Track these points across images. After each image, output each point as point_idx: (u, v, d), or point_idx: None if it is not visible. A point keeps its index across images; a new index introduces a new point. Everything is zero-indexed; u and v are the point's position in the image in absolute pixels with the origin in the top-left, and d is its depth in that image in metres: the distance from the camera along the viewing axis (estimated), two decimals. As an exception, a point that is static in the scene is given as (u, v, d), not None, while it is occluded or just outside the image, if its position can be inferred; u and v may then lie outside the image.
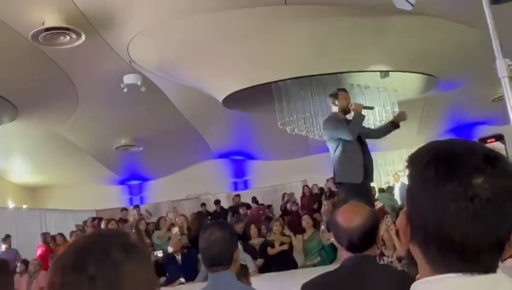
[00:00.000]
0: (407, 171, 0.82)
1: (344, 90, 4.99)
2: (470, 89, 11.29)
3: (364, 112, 4.79)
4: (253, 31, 7.87)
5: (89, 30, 7.36)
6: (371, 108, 4.92)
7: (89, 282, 0.85)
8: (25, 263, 8.14)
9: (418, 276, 0.81)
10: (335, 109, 4.74)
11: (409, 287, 1.61)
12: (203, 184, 14.23)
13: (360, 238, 1.84)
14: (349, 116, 4.80)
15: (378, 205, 6.20)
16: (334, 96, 4.79)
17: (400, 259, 4.89)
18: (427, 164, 0.77)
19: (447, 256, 0.75)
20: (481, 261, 0.74)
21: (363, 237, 1.84)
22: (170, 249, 6.59)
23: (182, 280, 6.15)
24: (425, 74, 9.61)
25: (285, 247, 6.72)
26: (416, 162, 0.80)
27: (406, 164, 0.82)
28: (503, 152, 1.37)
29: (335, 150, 4.53)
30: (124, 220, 10.53)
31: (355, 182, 4.40)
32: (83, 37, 7.38)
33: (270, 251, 6.76)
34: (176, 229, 7.24)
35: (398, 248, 4.87)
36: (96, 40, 7.74)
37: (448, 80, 10.21)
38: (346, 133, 4.48)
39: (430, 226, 0.75)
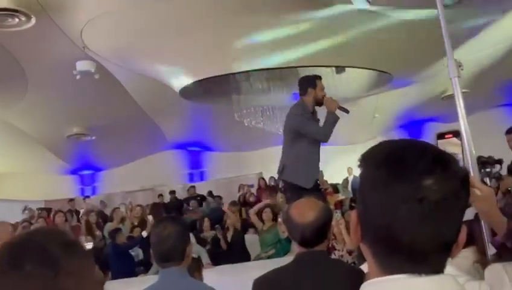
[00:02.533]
0: (359, 170, 0.81)
1: (320, 78, 4.28)
2: (421, 87, 11.68)
3: (337, 112, 4.13)
4: (210, 21, 7.78)
5: (40, 13, 7.03)
6: (346, 111, 4.13)
7: (26, 280, 0.80)
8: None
9: (367, 272, 0.81)
10: (306, 98, 4.13)
11: (360, 282, 1.63)
12: (158, 175, 14.03)
13: (312, 234, 1.86)
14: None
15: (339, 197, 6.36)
16: (311, 83, 4.16)
17: (350, 252, 5.01)
18: (379, 164, 0.77)
19: (395, 257, 0.75)
20: (429, 263, 0.75)
21: (315, 232, 1.86)
22: (145, 234, 6.41)
23: None
24: (379, 71, 9.84)
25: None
26: (368, 161, 0.80)
27: (359, 163, 0.82)
28: (459, 148, 1.41)
29: (291, 145, 4.12)
30: (75, 211, 10.22)
31: (305, 187, 4.00)
32: (33, 20, 7.06)
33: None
34: (151, 218, 7.09)
35: (348, 242, 4.92)
36: (48, 23, 7.42)
37: (401, 77, 10.51)
38: (321, 136, 4.05)
39: (380, 227, 0.75)
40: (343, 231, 4.97)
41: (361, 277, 1.72)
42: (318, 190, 4.30)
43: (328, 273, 1.82)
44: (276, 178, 4.46)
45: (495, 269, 0.98)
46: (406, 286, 0.74)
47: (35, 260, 0.82)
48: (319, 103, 4.16)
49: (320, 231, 1.88)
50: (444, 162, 0.76)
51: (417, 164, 0.74)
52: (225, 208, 7.41)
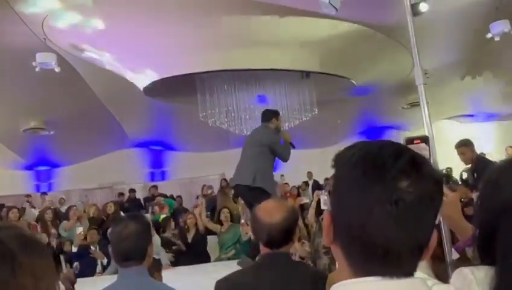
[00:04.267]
0: (333, 171, 0.81)
1: (279, 113, 5.45)
2: (382, 96, 11.99)
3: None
4: (176, 19, 7.70)
5: (-1, 0, 6.77)
6: (293, 146, 5.16)
7: None
8: None
9: (332, 274, 0.81)
10: (271, 125, 5.06)
11: (322, 284, 1.62)
12: (117, 173, 13.72)
13: (279, 234, 1.85)
14: None
15: (303, 200, 6.55)
16: (275, 114, 5.19)
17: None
18: (355, 164, 0.76)
19: (368, 259, 0.75)
20: (401, 265, 0.75)
21: (282, 233, 1.85)
22: (74, 249, 6.27)
23: None
24: (344, 77, 10.01)
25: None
26: (343, 162, 0.79)
27: (333, 163, 0.81)
28: (427, 152, 1.44)
29: (257, 158, 4.82)
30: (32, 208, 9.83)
31: (270, 192, 4.75)
32: (-9, 7, 6.78)
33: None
34: (80, 229, 6.88)
35: (301, 252, 5.21)
36: (7, 11, 7.14)
37: (364, 85, 10.74)
38: (285, 156, 4.94)
39: (353, 228, 0.75)
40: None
41: (323, 280, 1.74)
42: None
43: (289, 275, 1.81)
44: (233, 183, 5.17)
45: (463, 273, 0.99)
46: (377, 288, 0.74)
47: None
48: (278, 131, 5.13)
49: (287, 232, 1.87)
50: (419, 164, 0.76)
51: (393, 166, 0.74)
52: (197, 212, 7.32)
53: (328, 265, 5.68)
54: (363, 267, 0.76)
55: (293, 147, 5.14)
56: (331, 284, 0.80)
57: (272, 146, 4.88)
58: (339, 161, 0.80)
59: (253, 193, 4.69)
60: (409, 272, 0.76)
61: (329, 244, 0.81)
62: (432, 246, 0.78)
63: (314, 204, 6.30)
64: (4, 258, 0.78)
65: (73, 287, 2.65)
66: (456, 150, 5.71)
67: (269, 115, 5.17)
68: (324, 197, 6.56)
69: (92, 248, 6.38)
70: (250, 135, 5.28)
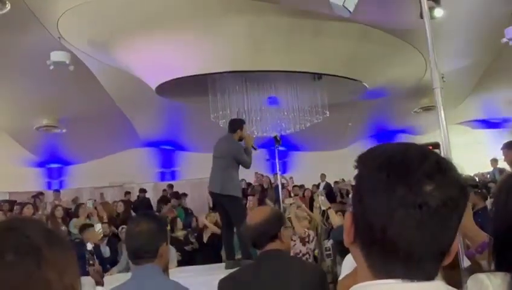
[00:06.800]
0: (356, 171, 0.80)
1: (245, 122, 5.84)
2: (394, 99, 11.92)
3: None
4: (190, 20, 7.74)
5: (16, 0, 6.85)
6: (255, 149, 5.58)
7: (7, 270, 0.76)
8: None
9: (342, 279, 0.80)
10: (235, 136, 5.42)
11: (319, 280, 1.62)
12: (128, 172, 13.79)
13: (257, 235, 2.08)
14: None
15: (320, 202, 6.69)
16: (240, 125, 5.53)
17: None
18: (380, 166, 0.76)
19: (389, 261, 0.75)
20: (422, 269, 0.75)
21: (260, 233, 2.07)
22: (89, 246, 6.28)
23: None
24: (356, 80, 9.98)
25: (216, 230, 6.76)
26: (367, 163, 0.79)
27: (356, 164, 0.80)
28: None
29: (226, 167, 5.26)
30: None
31: (239, 196, 5.41)
32: (8, 6, 6.86)
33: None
34: (99, 226, 6.92)
35: (298, 229, 5.76)
36: (23, 10, 7.22)
37: (376, 88, 10.69)
38: (248, 164, 5.37)
39: (375, 230, 0.74)
40: (292, 218, 5.90)
41: (321, 276, 1.79)
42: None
43: (287, 271, 1.96)
44: (208, 189, 5.63)
45: (479, 279, 0.98)
46: None
47: (17, 249, 0.78)
48: (241, 140, 5.48)
49: (265, 233, 2.07)
50: (445, 168, 0.75)
51: (419, 169, 0.73)
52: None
53: (331, 267, 5.74)
54: (383, 269, 0.75)
55: (255, 149, 5.52)
56: (345, 288, 0.80)
57: (236, 156, 5.30)
58: (363, 161, 0.80)
59: (225, 200, 5.25)
60: (429, 277, 0.75)
61: (349, 245, 0.81)
62: (454, 251, 0.77)
63: (317, 205, 6.41)
64: (29, 252, 0.78)
65: (102, 280, 2.74)
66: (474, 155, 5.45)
67: (235, 126, 5.54)
68: (321, 197, 6.66)
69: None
70: (216, 145, 5.60)
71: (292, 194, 9.34)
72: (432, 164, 0.75)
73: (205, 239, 6.90)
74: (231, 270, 5.30)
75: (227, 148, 5.41)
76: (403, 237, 0.73)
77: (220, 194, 5.29)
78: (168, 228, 7.46)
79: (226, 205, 5.31)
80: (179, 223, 7.38)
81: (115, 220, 7.90)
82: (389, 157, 0.76)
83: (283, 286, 1.91)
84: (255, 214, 2.18)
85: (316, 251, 6.20)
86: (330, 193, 10.01)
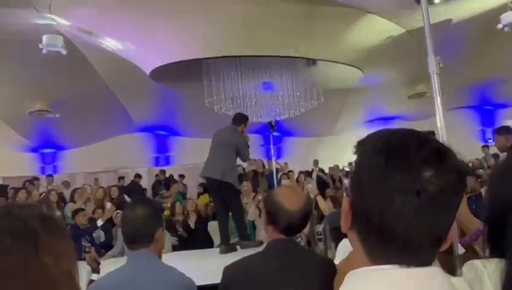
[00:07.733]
0: (354, 157, 0.80)
1: (248, 118, 5.99)
2: (389, 85, 11.90)
3: None
4: (184, 5, 7.65)
5: (6, -19, 6.74)
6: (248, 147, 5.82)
7: (5, 255, 0.75)
8: None
9: (341, 262, 0.80)
10: (240, 128, 5.64)
11: (330, 272, 1.63)
12: (122, 157, 13.75)
13: (299, 221, 1.87)
14: None
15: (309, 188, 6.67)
16: (245, 120, 5.75)
17: None
18: (378, 152, 0.75)
19: (387, 247, 0.75)
20: (420, 255, 0.75)
21: (302, 220, 1.88)
22: (100, 222, 6.27)
23: None
24: (351, 66, 9.95)
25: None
26: (366, 148, 0.78)
27: (355, 149, 0.80)
28: None
29: (229, 156, 5.44)
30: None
31: (238, 188, 5.65)
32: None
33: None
34: (109, 205, 6.97)
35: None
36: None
37: (371, 74, 10.67)
38: (247, 157, 5.68)
39: (373, 216, 0.74)
40: None
41: (331, 268, 1.75)
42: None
43: (297, 262, 1.82)
44: (203, 175, 5.74)
45: (474, 266, 0.99)
46: (396, 276, 0.74)
47: (14, 234, 0.77)
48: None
49: (306, 220, 1.90)
50: (444, 155, 0.75)
51: (417, 155, 0.73)
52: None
53: (324, 251, 5.78)
54: (381, 255, 0.75)
55: (248, 147, 5.71)
56: (342, 273, 0.80)
57: (239, 147, 5.49)
58: (361, 147, 0.79)
59: (222, 187, 5.36)
60: (426, 263, 0.76)
61: (346, 230, 0.81)
62: (451, 237, 0.77)
63: (306, 191, 6.39)
64: (26, 237, 0.78)
65: (98, 267, 2.73)
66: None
67: (240, 120, 5.74)
68: (309, 185, 6.70)
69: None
70: (219, 133, 5.72)
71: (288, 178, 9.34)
72: (431, 150, 0.74)
73: (192, 225, 6.95)
74: (225, 255, 5.34)
75: (232, 138, 5.54)
76: (400, 224, 0.72)
77: (219, 181, 5.34)
78: (169, 213, 7.53)
79: (224, 192, 5.40)
80: (178, 207, 7.42)
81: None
82: (387, 143, 0.76)
83: (294, 276, 1.78)
84: (294, 197, 1.89)
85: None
86: (322, 183, 10.00)
